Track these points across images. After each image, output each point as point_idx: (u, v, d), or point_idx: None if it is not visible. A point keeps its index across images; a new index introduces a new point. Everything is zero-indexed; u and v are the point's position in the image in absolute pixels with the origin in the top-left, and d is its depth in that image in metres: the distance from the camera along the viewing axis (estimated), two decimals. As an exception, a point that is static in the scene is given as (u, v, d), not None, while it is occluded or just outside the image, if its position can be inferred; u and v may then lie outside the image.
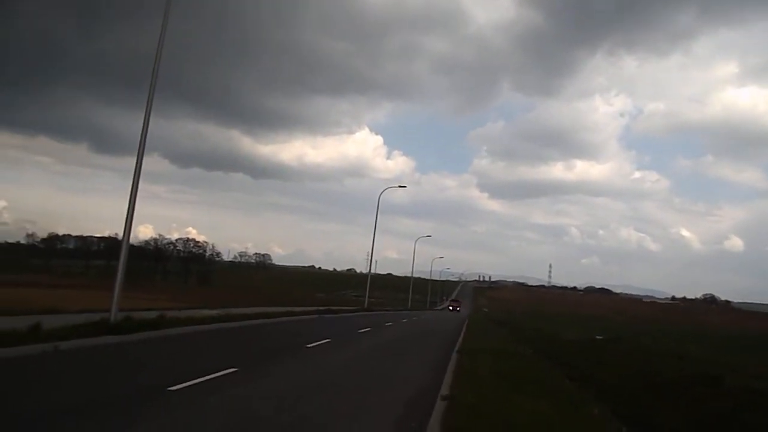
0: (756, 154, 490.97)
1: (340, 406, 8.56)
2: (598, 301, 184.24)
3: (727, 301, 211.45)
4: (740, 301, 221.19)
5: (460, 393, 9.49)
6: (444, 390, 9.95)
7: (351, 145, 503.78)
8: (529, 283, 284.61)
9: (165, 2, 15.92)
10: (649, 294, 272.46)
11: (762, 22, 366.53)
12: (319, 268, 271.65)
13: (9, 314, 14.62)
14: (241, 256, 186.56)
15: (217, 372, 9.90)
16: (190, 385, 8.63)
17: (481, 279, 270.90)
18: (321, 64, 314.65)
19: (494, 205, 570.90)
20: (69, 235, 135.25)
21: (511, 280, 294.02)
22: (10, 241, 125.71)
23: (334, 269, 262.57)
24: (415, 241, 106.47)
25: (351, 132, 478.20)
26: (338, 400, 8.96)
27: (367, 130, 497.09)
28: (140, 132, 15.50)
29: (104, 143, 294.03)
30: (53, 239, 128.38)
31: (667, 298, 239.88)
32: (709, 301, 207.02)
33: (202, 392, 8.39)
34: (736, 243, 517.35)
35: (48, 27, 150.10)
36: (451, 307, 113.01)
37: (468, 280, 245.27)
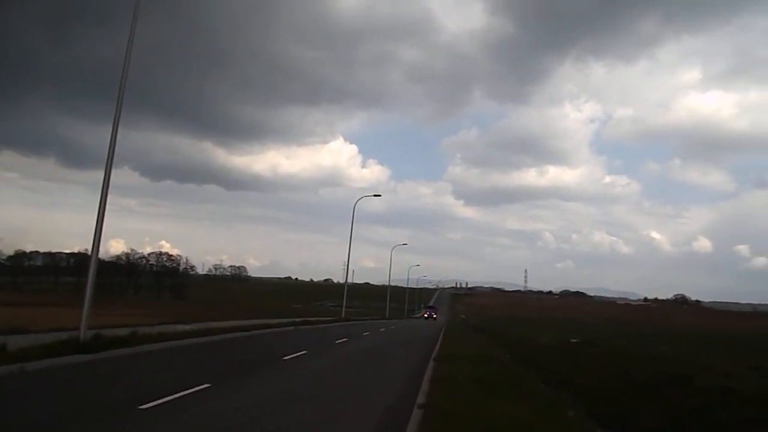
0: (721, 157, 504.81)
1: (317, 417, 8.49)
2: (573, 304, 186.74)
3: (698, 301, 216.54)
4: (710, 300, 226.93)
5: (437, 400, 9.50)
6: (421, 398, 9.95)
7: (326, 155, 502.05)
8: (506, 289, 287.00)
9: (132, 13, 15.73)
10: (623, 296, 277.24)
11: (721, 28, 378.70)
12: (296, 279, 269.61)
13: (-28, 335, 14.13)
14: (215, 268, 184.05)
15: (190, 388, 9.72)
16: (162, 403, 8.45)
17: (458, 286, 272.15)
18: (294, 74, 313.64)
19: (469, 212, 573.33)
20: (37, 252, 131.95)
21: (488, 286, 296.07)
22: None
23: (311, 280, 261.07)
24: (392, 250, 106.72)
25: (325, 141, 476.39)
26: (314, 412, 8.88)
27: (341, 139, 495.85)
28: (108, 145, 15.23)
29: (73, 157, 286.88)
30: (20, 256, 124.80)
31: (639, 300, 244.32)
32: (681, 301, 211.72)
33: (174, 409, 8.22)
34: (704, 244, 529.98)
35: (13, 37, 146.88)
36: (426, 315, 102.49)
37: (445, 287, 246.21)
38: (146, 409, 8.01)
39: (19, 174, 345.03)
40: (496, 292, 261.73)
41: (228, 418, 7.91)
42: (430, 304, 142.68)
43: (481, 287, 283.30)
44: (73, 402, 8.62)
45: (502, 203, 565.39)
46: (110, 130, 15.29)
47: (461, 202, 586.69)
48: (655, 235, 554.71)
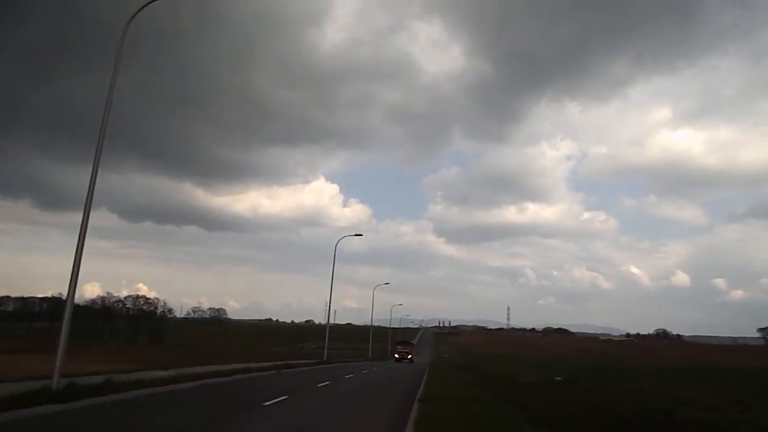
0: (694, 192, 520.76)
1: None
2: (556, 341, 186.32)
3: (679, 336, 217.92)
4: (690, 334, 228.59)
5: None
6: (405, 442, 9.81)
7: (307, 195, 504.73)
8: (489, 327, 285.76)
9: (115, 56, 15.95)
10: (605, 332, 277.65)
11: (689, 69, 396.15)
12: (277, 320, 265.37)
13: (-61, 386, 13.62)
14: (194, 311, 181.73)
15: (168, 437, 9.45)
16: (138, 453, 8.20)
17: (441, 324, 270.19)
18: (275, 115, 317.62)
19: (451, 250, 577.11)
20: (8, 297, 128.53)
21: (471, 324, 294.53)
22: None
23: (292, 321, 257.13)
24: (374, 289, 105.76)
25: (307, 181, 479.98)
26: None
27: (322, 179, 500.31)
28: (87, 187, 15.17)
29: (49, 199, 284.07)
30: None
31: (622, 335, 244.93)
32: (662, 336, 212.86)
33: (151, 460, 7.99)
34: (682, 278, 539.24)
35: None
36: (398, 355, 74.93)
37: (428, 326, 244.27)
38: (122, 460, 7.78)
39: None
40: (480, 331, 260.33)
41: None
42: (408, 340, 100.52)
43: (465, 325, 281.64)
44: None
45: (484, 240, 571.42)
46: (88, 171, 15.32)
47: (443, 239, 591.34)
48: (634, 270, 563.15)
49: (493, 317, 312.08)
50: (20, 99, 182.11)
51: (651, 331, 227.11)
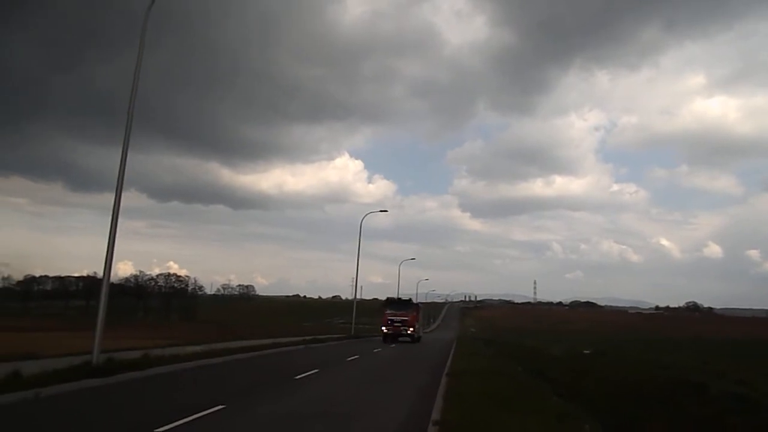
0: (728, 161, 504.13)
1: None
2: (583, 315, 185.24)
3: (710, 308, 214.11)
4: (722, 307, 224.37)
5: (451, 416, 9.50)
6: (435, 414, 9.94)
7: (331, 171, 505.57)
8: (515, 301, 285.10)
9: (139, 38, 16.06)
10: (634, 305, 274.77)
11: (723, 34, 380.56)
12: (304, 296, 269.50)
13: (-13, 362, 14.25)
14: (224, 288, 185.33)
15: (205, 410, 9.77)
16: (177, 425, 8.51)
17: (468, 299, 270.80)
18: (297, 92, 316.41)
19: (476, 225, 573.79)
20: (46, 276, 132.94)
21: (497, 298, 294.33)
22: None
23: (319, 297, 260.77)
24: (400, 265, 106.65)
25: (331, 158, 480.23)
26: (329, 430, 8.90)
27: (347, 155, 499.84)
28: (118, 168, 15.46)
29: (80, 181, 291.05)
30: (29, 281, 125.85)
31: (651, 309, 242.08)
32: (692, 309, 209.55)
33: (190, 431, 8.27)
34: (714, 250, 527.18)
35: (19, 63, 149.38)
36: (385, 329, 44.15)
37: (454, 300, 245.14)
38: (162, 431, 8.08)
39: (28, 199, 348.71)
40: (506, 305, 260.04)
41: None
42: (408, 300, 50.07)
43: (491, 300, 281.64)
44: (90, 426, 8.70)
45: (510, 215, 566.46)
46: (118, 153, 15.59)
47: (468, 214, 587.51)
48: (664, 242, 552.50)
49: (520, 291, 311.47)
50: (52, 85, 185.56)
51: (681, 304, 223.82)
